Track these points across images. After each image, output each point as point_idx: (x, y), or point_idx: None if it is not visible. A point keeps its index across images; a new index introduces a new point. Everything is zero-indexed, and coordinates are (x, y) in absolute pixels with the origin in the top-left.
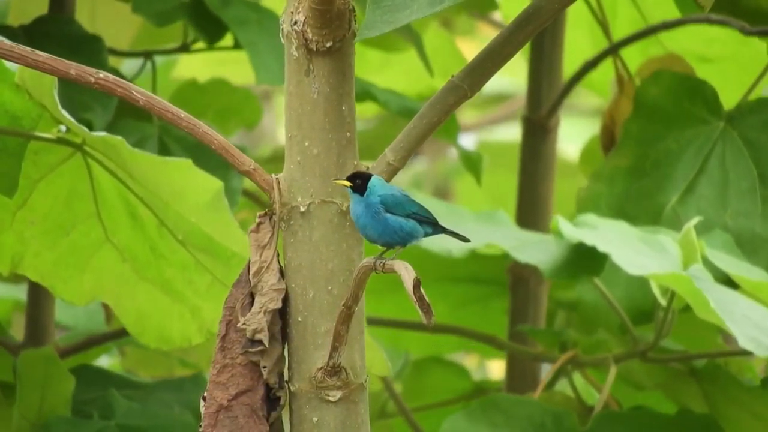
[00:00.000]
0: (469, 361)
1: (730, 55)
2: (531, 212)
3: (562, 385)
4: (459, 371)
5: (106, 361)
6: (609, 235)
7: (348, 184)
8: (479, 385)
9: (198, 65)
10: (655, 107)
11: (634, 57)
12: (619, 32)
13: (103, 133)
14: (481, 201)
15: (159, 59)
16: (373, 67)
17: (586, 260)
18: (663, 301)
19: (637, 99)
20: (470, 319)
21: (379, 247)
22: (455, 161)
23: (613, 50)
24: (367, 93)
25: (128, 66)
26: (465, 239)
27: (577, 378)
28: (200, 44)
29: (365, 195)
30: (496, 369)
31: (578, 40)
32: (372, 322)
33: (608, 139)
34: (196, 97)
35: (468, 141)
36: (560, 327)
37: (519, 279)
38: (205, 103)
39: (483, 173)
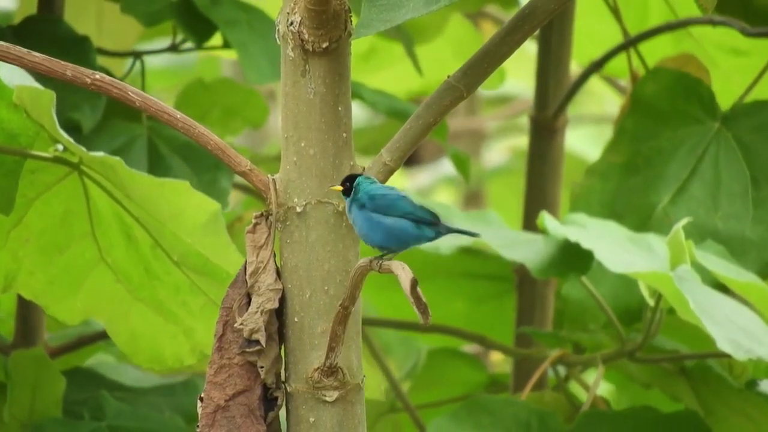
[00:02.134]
0: (496, 355)
1: (761, 48)
2: (538, 213)
3: (566, 384)
4: (474, 363)
5: (111, 359)
6: (596, 234)
7: (340, 188)
8: (494, 377)
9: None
10: (651, 104)
11: (664, 52)
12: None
13: (100, 153)
14: (513, 203)
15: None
16: (396, 56)
17: (573, 258)
18: (651, 302)
19: (634, 95)
20: (487, 315)
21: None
22: (486, 165)
23: (623, 48)
24: (355, 94)
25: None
26: (474, 234)
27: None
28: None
29: (352, 195)
30: None
31: (600, 35)
32: (374, 322)
33: None
34: (201, 97)
35: (496, 151)
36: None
37: (525, 278)
38: (210, 103)
39: (513, 176)
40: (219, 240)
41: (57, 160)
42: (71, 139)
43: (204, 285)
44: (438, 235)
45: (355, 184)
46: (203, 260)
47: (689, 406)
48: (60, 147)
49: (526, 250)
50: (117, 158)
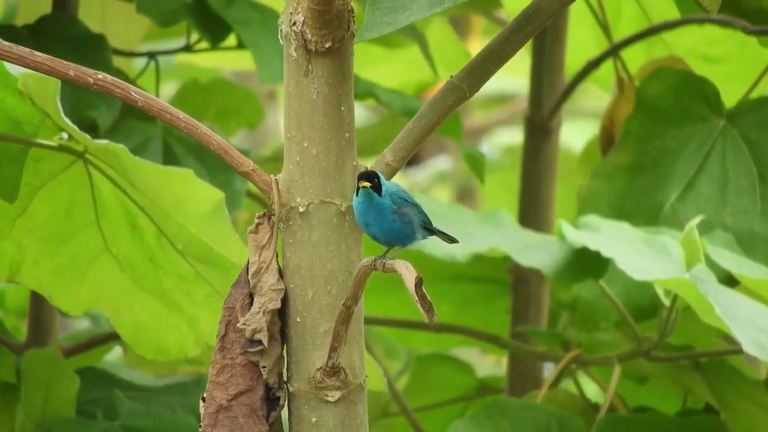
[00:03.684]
0: (487, 358)
1: (733, 56)
2: (533, 213)
3: (566, 384)
4: (463, 368)
5: (110, 356)
6: (612, 238)
7: (368, 184)
8: (484, 381)
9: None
10: (656, 104)
11: (637, 57)
12: (623, 31)
13: (104, 141)
14: (504, 200)
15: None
16: (377, 57)
17: (589, 262)
18: (666, 302)
19: (639, 96)
20: (474, 318)
21: (376, 247)
22: None
23: (614, 50)
24: (370, 93)
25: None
26: (454, 240)
27: (582, 375)
28: (204, 44)
29: (381, 195)
30: None
31: (583, 39)
32: (375, 321)
33: (607, 141)
34: (196, 97)
35: (486, 147)
36: (563, 326)
37: (520, 279)
38: (206, 103)
39: (505, 173)
40: (222, 229)
41: (62, 148)
42: (75, 127)
43: (208, 274)
44: (427, 235)
45: (382, 184)
46: (207, 249)
47: (704, 398)
48: (65, 136)
49: (541, 256)
50: (121, 146)
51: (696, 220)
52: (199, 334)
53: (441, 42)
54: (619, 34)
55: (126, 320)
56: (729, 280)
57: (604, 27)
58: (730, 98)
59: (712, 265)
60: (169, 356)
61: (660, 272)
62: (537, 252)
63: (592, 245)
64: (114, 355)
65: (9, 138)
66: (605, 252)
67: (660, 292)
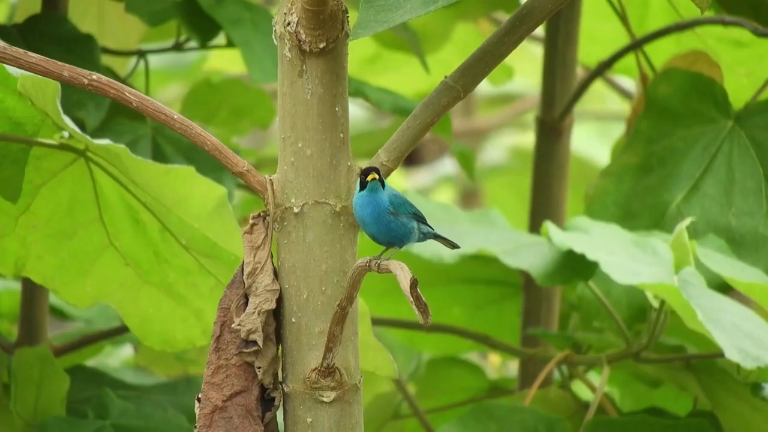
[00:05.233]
0: (494, 359)
1: (762, 40)
2: (544, 214)
3: (573, 384)
4: (474, 370)
5: (118, 358)
6: (600, 240)
7: (376, 176)
8: (495, 383)
9: (229, 57)
10: (665, 105)
11: (667, 48)
12: (652, 24)
13: (106, 141)
14: (510, 202)
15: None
16: (400, 62)
17: (577, 264)
18: (655, 303)
19: (648, 96)
20: (485, 321)
21: (371, 248)
22: (484, 163)
23: (635, 47)
24: (359, 92)
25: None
26: (455, 245)
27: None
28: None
29: (384, 190)
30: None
31: (607, 33)
32: (385, 323)
33: None
34: (209, 97)
35: (494, 149)
36: (573, 328)
37: (532, 280)
38: (218, 103)
39: (511, 175)
40: (226, 225)
41: (63, 146)
42: (76, 127)
43: (212, 268)
44: (426, 237)
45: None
46: (211, 244)
47: (696, 397)
48: (66, 134)
49: (530, 257)
50: (122, 146)
51: (686, 222)
52: (206, 325)
53: (468, 42)
54: (649, 27)
55: (132, 313)
56: (722, 285)
57: (624, 21)
58: (759, 82)
59: (702, 268)
60: (176, 347)
61: (647, 276)
62: (526, 253)
63: (578, 248)
64: (123, 355)
65: (10, 138)
66: (590, 255)
67: (649, 294)
